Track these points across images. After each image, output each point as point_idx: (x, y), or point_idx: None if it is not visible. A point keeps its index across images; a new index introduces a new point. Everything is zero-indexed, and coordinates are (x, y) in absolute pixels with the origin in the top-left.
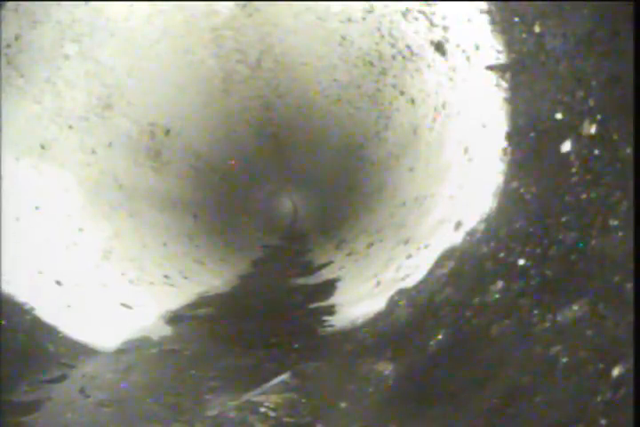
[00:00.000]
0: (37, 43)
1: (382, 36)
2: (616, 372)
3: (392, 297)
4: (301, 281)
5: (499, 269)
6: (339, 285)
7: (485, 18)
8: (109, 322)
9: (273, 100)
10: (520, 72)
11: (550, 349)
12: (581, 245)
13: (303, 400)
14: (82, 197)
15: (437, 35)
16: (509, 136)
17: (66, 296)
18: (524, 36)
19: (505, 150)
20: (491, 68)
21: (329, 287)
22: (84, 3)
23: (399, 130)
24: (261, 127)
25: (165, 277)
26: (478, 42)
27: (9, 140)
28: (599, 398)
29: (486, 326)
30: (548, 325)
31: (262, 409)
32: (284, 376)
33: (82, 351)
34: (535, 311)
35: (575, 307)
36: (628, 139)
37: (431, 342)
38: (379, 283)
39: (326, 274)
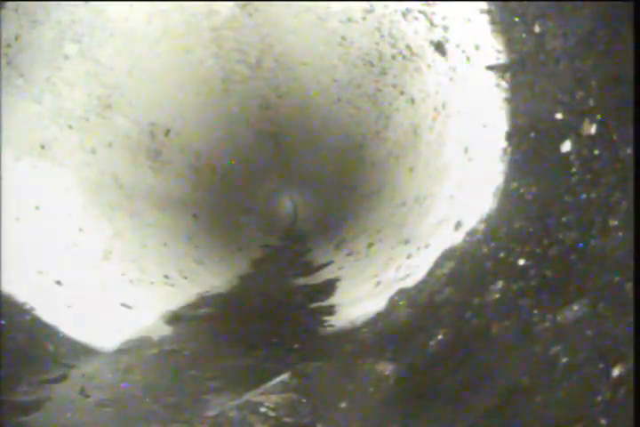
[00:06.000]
0: (37, 43)
1: (382, 36)
2: (616, 372)
3: (392, 297)
4: (301, 281)
5: (499, 269)
6: (339, 285)
7: (485, 18)
8: (109, 322)
9: (273, 100)
10: (520, 72)
11: (550, 349)
12: (581, 245)
13: (303, 400)
14: (82, 196)
15: (437, 35)
16: (509, 136)
17: (66, 296)
18: (523, 36)
19: (505, 150)
20: (491, 68)
21: (329, 287)
22: (83, 3)
23: (399, 130)
24: (261, 127)
25: (165, 277)
26: (478, 42)
27: (9, 140)
28: (599, 398)
29: (486, 326)
30: (548, 325)
31: (262, 409)
32: (284, 376)
33: (82, 351)
34: (535, 311)
35: (575, 307)
36: (628, 139)
37: (431, 342)
38: (379, 283)
39: (326, 274)
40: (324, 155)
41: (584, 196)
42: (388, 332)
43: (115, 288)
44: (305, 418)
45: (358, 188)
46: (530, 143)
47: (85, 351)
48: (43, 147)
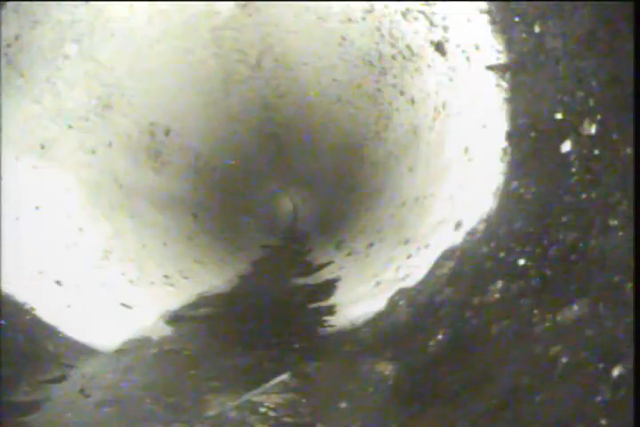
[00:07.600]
0: (37, 43)
1: (382, 36)
2: (616, 372)
3: (392, 297)
4: (301, 281)
5: (499, 269)
6: (339, 285)
7: (485, 18)
8: (109, 322)
9: (273, 100)
10: (520, 72)
11: (550, 349)
12: (581, 245)
13: (303, 400)
14: (82, 197)
15: (437, 35)
16: (509, 136)
17: (66, 296)
18: (523, 36)
19: (505, 150)
20: (491, 68)
21: (329, 287)
22: (83, 3)
23: (399, 130)
24: (261, 127)
25: (165, 277)
26: (478, 42)
27: (9, 140)
28: (599, 398)
29: (486, 326)
30: (548, 325)
31: (262, 409)
32: (284, 376)
33: (82, 351)
34: (535, 311)
35: (575, 307)
36: (628, 139)
37: (431, 342)
38: (379, 283)
39: (326, 274)
40: (325, 155)
41: (584, 196)
42: (388, 332)
43: (114, 288)
44: (305, 418)
45: (358, 188)
46: (530, 143)
47: (85, 351)
48: (43, 147)
